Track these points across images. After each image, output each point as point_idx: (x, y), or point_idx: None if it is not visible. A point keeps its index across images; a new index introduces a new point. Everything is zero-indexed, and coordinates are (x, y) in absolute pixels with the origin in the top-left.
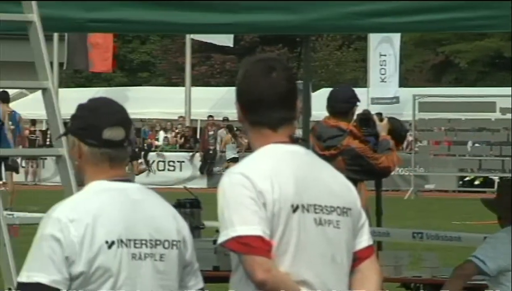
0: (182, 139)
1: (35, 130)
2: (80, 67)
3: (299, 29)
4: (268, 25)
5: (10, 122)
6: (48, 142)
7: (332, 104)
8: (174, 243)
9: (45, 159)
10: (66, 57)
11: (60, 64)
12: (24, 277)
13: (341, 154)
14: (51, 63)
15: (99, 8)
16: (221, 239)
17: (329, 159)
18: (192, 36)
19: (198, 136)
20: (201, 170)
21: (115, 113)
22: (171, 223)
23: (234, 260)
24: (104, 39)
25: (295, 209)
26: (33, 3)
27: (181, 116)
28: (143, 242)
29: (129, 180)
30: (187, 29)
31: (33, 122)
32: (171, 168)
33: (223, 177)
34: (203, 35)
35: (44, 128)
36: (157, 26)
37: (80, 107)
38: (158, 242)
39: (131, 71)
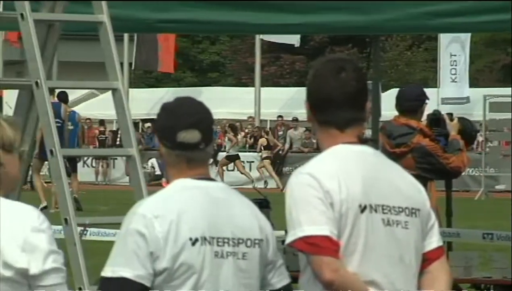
0: (252, 140)
1: (104, 131)
2: (151, 68)
3: (369, 29)
4: (338, 26)
5: (69, 123)
6: (118, 143)
7: (401, 103)
8: (257, 241)
9: (115, 159)
10: (135, 58)
11: (130, 65)
12: (109, 272)
13: (411, 151)
14: (121, 64)
15: (167, 8)
16: (289, 239)
17: (399, 156)
18: (262, 36)
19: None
20: None
21: (192, 115)
22: (254, 222)
23: (302, 260)
24: (167, 40)
25: (363, 209)
26: (103, 3)
27: (250, 117)
28: (226, 240)
29: (212, 178)
30: (256, 30)
31: (102, 122)
32: None
33: (291, 177)
34: (273, 36)
35: (114, 129)
36: (226, 26)
37: (162, 107)
38: (240, 241)
39: (201, 72)
